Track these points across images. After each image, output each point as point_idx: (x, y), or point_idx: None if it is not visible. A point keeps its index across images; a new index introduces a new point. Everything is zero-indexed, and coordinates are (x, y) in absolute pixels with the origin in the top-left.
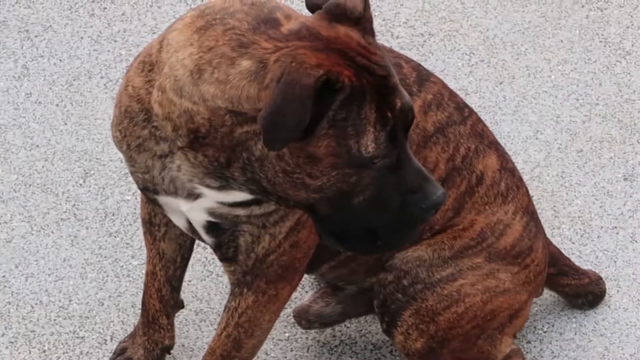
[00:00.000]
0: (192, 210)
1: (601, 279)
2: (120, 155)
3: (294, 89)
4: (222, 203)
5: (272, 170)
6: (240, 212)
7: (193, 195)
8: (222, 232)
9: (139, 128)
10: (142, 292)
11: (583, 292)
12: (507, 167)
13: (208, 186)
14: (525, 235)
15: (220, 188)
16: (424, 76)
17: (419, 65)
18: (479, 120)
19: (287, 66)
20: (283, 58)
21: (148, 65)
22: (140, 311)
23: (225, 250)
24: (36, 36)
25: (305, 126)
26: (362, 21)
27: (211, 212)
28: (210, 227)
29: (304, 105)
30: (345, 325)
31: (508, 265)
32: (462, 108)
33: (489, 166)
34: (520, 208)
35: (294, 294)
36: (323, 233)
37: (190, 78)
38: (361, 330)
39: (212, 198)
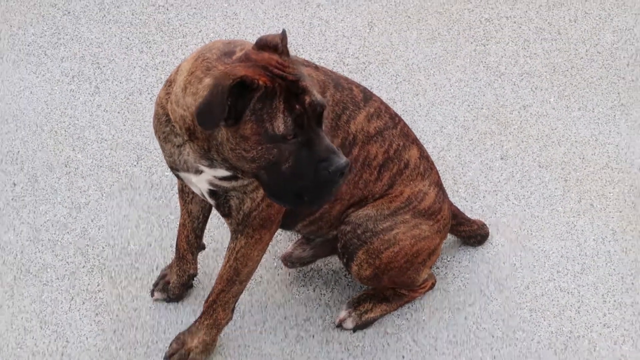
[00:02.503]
0: (199, 182)
1: (485, 225)
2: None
3: (217, 88)
4: (215, 176)
5: (226, 150)
6: (227, 184)
7: (198, 172)
8: (218, 196)
9: (163, 126)
10: (176, 237)
11: (473, 235)
12: (424, 155)
13: (203, 165)
14: (436, 200)
15: (210, 166)
16: (368, 96)
17: (365, 88)
18: (405, 125)
19: (219, 75)
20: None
21: (169, 82)
22: (174, 250)
23: (223, 209)
24: (104, 66)
25: (226, 114)
26: (280, 48)
27: (210, 183)
28: (211, 193)
29: (223, 99)
30: None
31: (427, 220)
32: (394, 117)
33: (412, 156)
34: (433, 182)
35: (282, 245)
36: (267, 194)
37: (182, 93)
38: (325, 262)
39: (209, 173)
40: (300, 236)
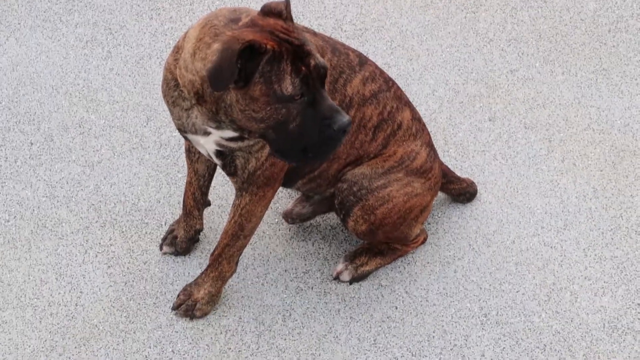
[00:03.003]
0: (206, 143)
1: (474, 183)
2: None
3: (227, 52)
4: (222, 137)
5: (236, 111)
6: (233, 144)
7: (206, 133)
8: (225, 156)
9: (172, 90)
10: (183, 194)
11: (463, 192)
12: (416, 117)
13: (211, 127)
14: (428, 159)
15: (217, 128)
16: (363, 61)
17: (361, 53)
18: (398, 88)
19: (227, 39)
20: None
21: (176, 49)
22: (182, 206)
23: (229, 168)
24: (116, 32)
25: (236, 76)
26: (284, 14)
27: (217, 143)
28: (218, 153)
29: (233, 62)
30: None
31: (419, 178)
32: (388, 81)
33: (405, 117)
34: (424, 143)
35: (284, 202)
36: (274, 152)
37: (190, 59)
38: (323, 218)
39: (216, 134)
40: (300, 194)
